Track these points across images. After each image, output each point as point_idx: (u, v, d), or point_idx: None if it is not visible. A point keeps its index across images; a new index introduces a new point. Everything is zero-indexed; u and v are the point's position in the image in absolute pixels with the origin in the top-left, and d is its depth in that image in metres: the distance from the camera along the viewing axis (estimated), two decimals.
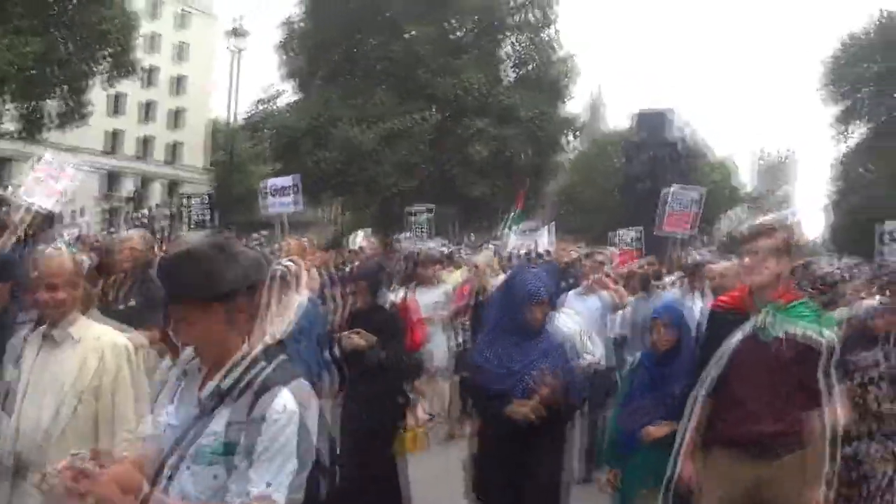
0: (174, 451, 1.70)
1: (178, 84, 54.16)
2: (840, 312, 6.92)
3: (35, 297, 2.78)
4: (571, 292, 6.52)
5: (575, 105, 42.72)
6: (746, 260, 3.27)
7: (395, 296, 6.72)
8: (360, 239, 17.44)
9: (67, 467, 1.55)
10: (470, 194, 33.47)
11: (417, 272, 8.04)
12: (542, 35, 36.13)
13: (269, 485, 1.61)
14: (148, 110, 52.24)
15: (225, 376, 1.75)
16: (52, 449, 2.55)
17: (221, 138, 48.91)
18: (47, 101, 26.51)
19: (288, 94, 36.91)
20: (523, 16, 35.64)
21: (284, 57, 36.83)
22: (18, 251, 5.87)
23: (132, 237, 4.73)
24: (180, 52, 54.18)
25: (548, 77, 36.00)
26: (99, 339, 2.76)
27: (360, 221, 37.97)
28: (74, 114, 27.22)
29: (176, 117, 54.21)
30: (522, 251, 16.10)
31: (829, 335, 3.24)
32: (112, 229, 29.51)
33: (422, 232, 14.97)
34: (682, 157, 25.02)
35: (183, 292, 1.75)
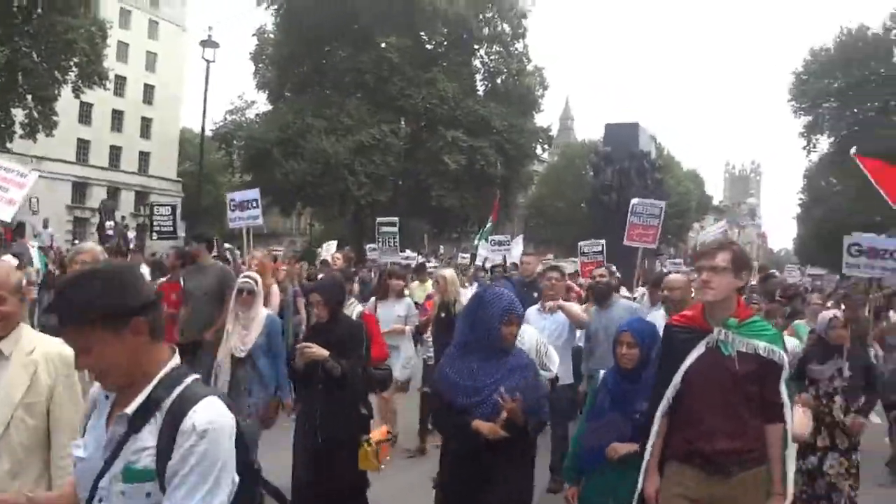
0: (104, 473, 1.69)
1: (148, 93, 53.65)
2: (808, 324, 7.09)
3: None
4: (533, 308, 6.46)
5: (545, 117, 43.23)
6: (702, 276, 3.30)
7: (358, 308, 6.73)
8: (330, 250, 17.46)
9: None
10: (442, 205, 33.55)
11: (383, 285, 8.06)
12: (512, 48, 36.43)
13: None
14: (117, 119, 51.65)
15: (136, 400, 1.71)
16: (3, 461, 2.57)
17: (191, 148, 48.54)
18: (13, 110, 26.17)
19: (259, 104, 36.84)
20: (494, 28, 35.89)
21: (256, 67, 36.72)
22: None
23: (84, 249, 4.68)
24: (150, 61, 53.69)
25: (518, 89, 36.32)
26: (46, 352, 2.71)
27: (332, 232, 37.94)
28: (41, 123, 26.89)
29: (146, 127, 53.65)
30: (494, 262, 16.21)
31: (790, 346, 3.31)
32: (76, 240, 29.17)
33: (390, 244, 14.90)
34: (650, 169, 25.13)
35: (73, 318, 1.69)
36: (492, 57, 37.03)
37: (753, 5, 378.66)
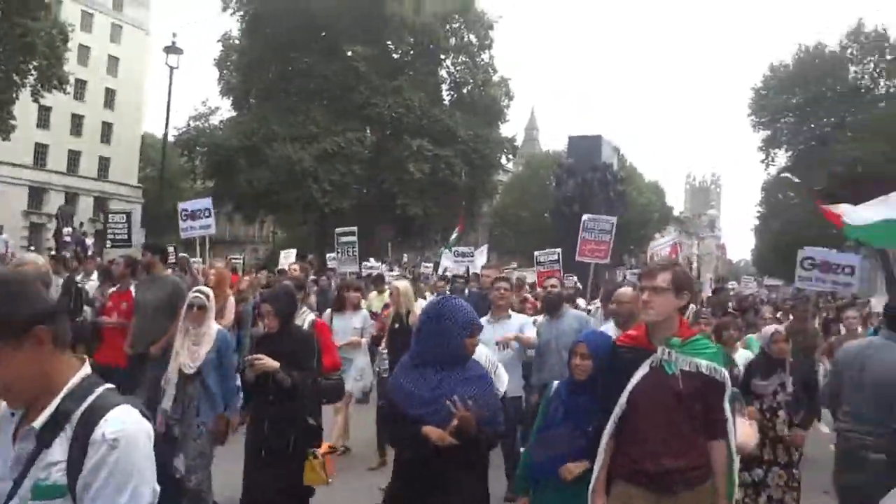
0: (13, 494, 1.62)
1: (109, 98, 52.83)
2: (759, 337, 7.19)
3: None
4: (482, 319, 6.44)
5: (511, 127, 43.52)
6: (643, 297, 3.33)
7: (310, 317, 6.67)
8: (288, 259, 17.33)
9: None
10: (406, 214, 33.54)
11: (339, 297, 8.03)
12: (478, 58, 36.64)
13: None
14: (77, 124, 50.75)
15: (43, 414, 1.64)
16: None
17: (153, 154, 47.89)
18: None
19: (223, 111, 36.52)
20: (460, 39, 36.08)
21: (221, 73, 36.41)
22: None
23: (27, 260, 4.58)
24: (111, 65, 52.91)
25: (484, 99, 36.52)
26: None
27: (295, 240, 37.68)
28: None
29: (106, 131, 52.80)
30: (455, 273, 16.23)
31: (743, 359, 3.36)
32: (32, 247, 28.55)
33: (349, 254, 14.83)
34: (612, 181, 25.48)
35: None
36: (458, 67, 37.20)
37: (715, 21, 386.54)
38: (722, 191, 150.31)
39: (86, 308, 8.89)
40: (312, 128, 32.53)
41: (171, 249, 14.39)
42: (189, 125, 34.95)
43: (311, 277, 13.23)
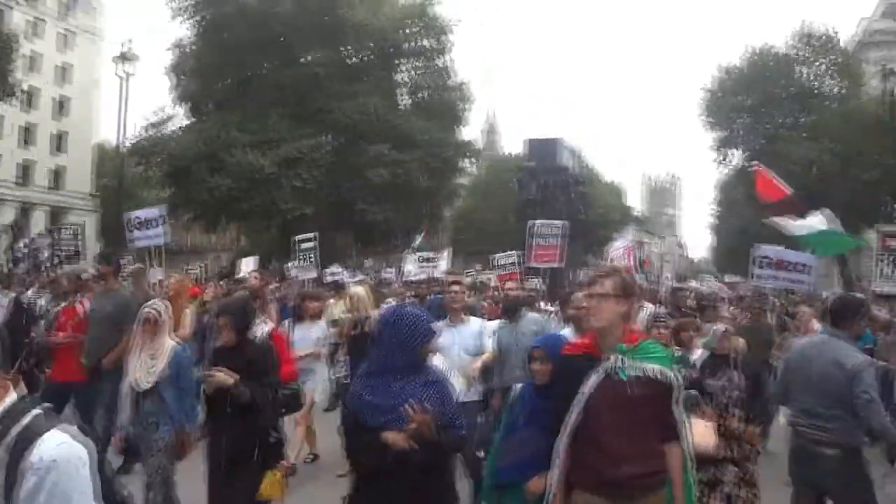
0: None
1: (61, 106, 51.73)
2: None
3: None
4: (440, 323, 6.30)
5: (471, 131, 43.66)
6: (589, 304, 3.36)
7: (265, 327, 6.60)
8: (248, 268, 17.14)
9: None
10: (366, 219, 33.42)
11: (301, 307, 7.97)
12: (436, 62, 36.66)
13: None
14: (28, 134, 49.59)
15: None
16: None
17: (109, 163, 47.06)
18: None
19: (179, 118, 35.99)
20: (417, 43, 36.07)
21: (177, 80, 35.87)
22: None
23: None
24: (63, 73, 51.84)
25: (443, 103, 36.55)
26: None
27: (258, 248, 37.27)
28: None
29: (59, 141, 51.68)
30: (422, 276, 16.24)
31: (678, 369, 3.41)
32: None
33: (309, 260, 14.72)
34: (572, 182, 25.75)
35: None
36: (415, 72, 37.16)
37: (666, 23, 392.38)
38: (680, 190, 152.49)
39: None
40: (272, 134, 32.24)
41: (126, 260, 14.14)
42: (145, 133, 34.35)
43: (273, 286, 13.11)
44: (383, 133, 33.21)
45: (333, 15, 32.58)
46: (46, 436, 1.62)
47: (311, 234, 15.34)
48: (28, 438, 1.61)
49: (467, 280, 13.05)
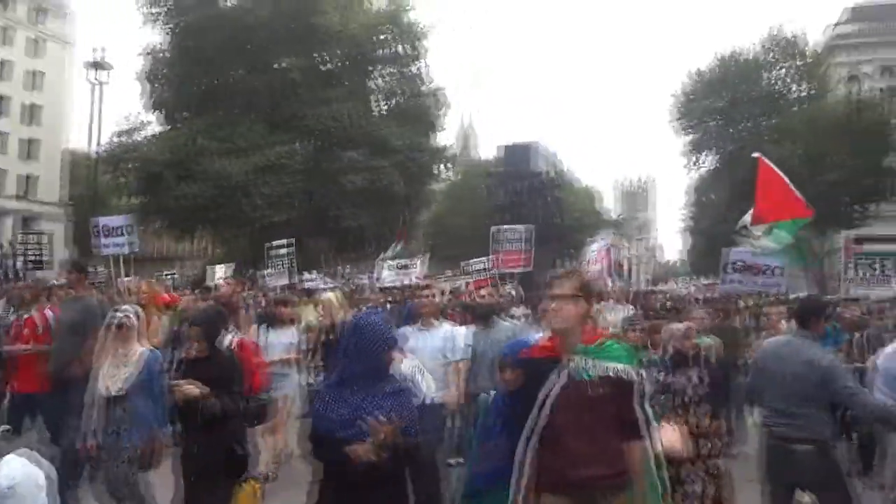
0: None
1: (32, 113, 50.99)
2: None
3: None
4: (410, 328, 6.46)
5: (446, 136, 43.71)
6: (551, 305, 3.37)
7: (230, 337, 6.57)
8: (219, 275, 17.04)
9: None
10: (341, 225, 33.31)
11: (272, 312, 7.95)
12: (410, 68, 36.68)
13: None
14: None
15: None
16: None
17: (80, 171, 46.48)
18: None
19: (152, 125, 35.65)
20: (391, 50, 36.07)
21: (151, 87, 35.51)
22: None
23: None
24: (34, 79, 51.11)
25: (418, 109, 36.55)
26: None
27: (230, 255, 36.97)
28: None
29: (29, 148, 50.92)
30: (397, 283, 16.24)
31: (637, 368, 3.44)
32: None
33: (283, 267, 14.64)
34: (546, 187, 25.88)
35: None
36: (390, 78, 37.15)
37: (639, 28, 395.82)
38: (653, 194, 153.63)
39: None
40: (243, 141, 32.05)
41: (97, 268, 13.98)
42: (117, 140, 33.95)
43: (247, 293, 13.03)
44: (358, 139, 33.17)
45: (307, 21, 32.49)
46: (3, 461, 1.62)
47: (285, 241, 15.26)
48: None
49: (443, 286, 13.09)
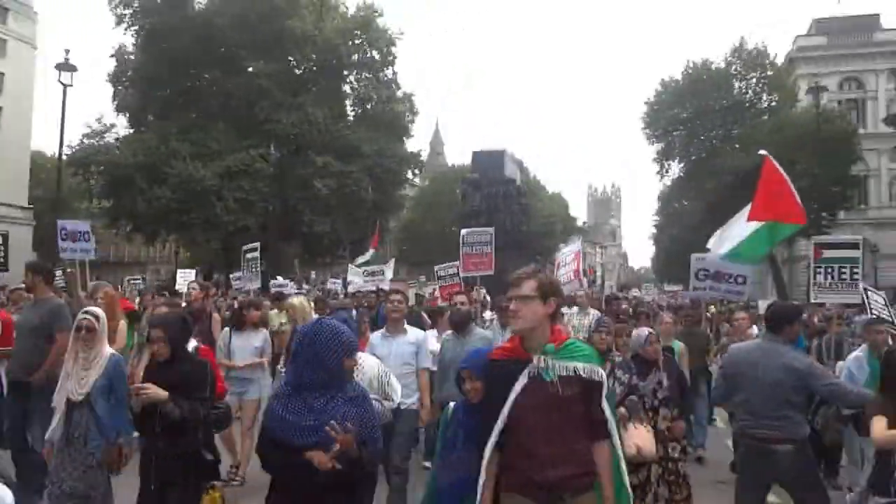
0: None
1: None
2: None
3: None
4: (377, 333, 6.44)
5: (416, 142, 43.78)
6: (511, 306, 3.33)
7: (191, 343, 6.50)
8: (186, 280, 16.85)
9: None
10: (313, 230, 33.18)
11: (239, 315, 7.87)
12: (381, 74, 36.70)
13: None
14: None
15: None
16: None
17: (44, 173, 45.68)
18: None
19: (119, 128, 35.18)
20: (363, 55, 36.05)
21: (116, 90, 35.05)
22: None
23: None
24: None
25: (388, 115, 36.57)
26: None
27: (200, 260, 36.61)
28: None
29: None
30: (369, 288, 16.17)
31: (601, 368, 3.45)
32: None
33: (253, 271, 14.49)
34: (516, 194, 25.91)
35: None
36: (361, 83, 37.13)
37: (612, 38, 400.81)
38: (622, 201, 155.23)
39: None
40: (214, 145, 31.80)
41: (63, 271, 13.74)
42: (83, 142, 33.44)
43: (219, 298, 12.91)
44: (329, 144, 33.09)
45: (278, 26, 32.35)
46: None
47: (255, 244, 15.10)
48: None
49: (409, 292, 13.06)
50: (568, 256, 13.39)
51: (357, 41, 35.74)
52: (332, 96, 35.91)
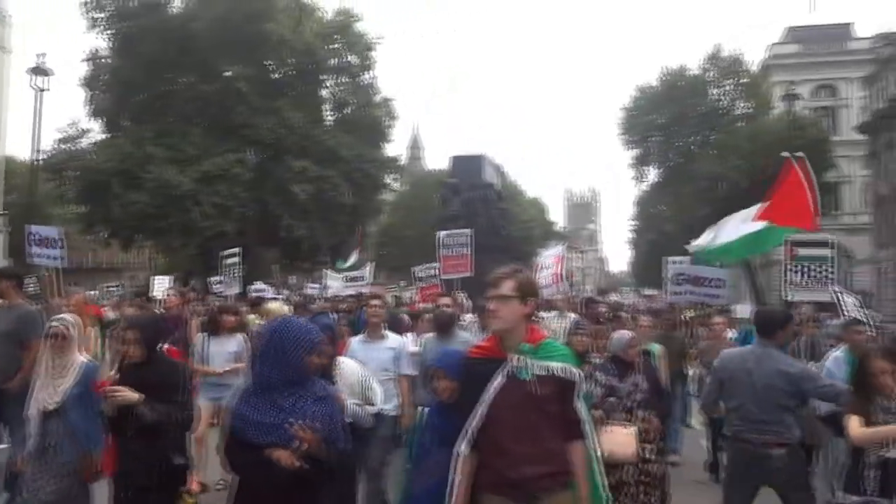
0: None
1: None
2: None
3: None
4: (356, 339, 6.40)
5: (395, 147, 43.77)
6: (491, 306, 3.36)
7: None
8: (162, 286, 16.71)
9: None
10: (292, 235, 33.02)
11: (214, 320, 7.82)
12: (360, 79, 36.64)
13: None
14: None
15: None
16: None
17: (17, 179, 45.05)
18: None
19: (94, 132, 34.75)
20: (341, 59, 35.99)
21: (92, 94, 34.64)
22: None
23: None
24: None
25: (367, 119, 36.52)
26: None
27: (177, 266, 36.26)
28: None
29: None
30: (349, 292, 16.13)
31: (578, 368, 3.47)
32: None
33: (233, 276, 14.40)
34: (495, 199, 26.04)
35: None
36: (339, 87, 37.05)
37: (589, 44, 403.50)
38: (600, 206, 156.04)
39: None
40: (191, 150, 31.51)
41: (38, 277, 13.58)
42: (57, 147, 33.01)
43: (197, 304, 12.78)
44: (307, 149, 32.97)
45: (256, 29, 32.16)
46: None
47: (235, 249, 15.02)
48: None
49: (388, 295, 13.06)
50: (549, 259, 13.46)
51: (335, 46, 35.67)
52: (310, 101, 35.77)
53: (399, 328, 7.79)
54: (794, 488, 5.03)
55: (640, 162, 43.00)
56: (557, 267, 12.67)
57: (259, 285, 20.78)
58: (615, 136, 43.66)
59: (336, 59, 35.96)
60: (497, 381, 3.24)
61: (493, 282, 3.41)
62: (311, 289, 23.14)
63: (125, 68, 32.96)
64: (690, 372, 10.57)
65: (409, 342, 7.22)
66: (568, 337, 6.91)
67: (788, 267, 10.36)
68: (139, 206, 29.98)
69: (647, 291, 39.81)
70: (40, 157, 30.66)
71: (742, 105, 41.13)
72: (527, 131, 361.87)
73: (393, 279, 34.03)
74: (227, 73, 33.12)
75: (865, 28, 50.25)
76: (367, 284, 16.52)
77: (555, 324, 10.46)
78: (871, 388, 4.93)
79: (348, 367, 4.50)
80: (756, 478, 5.10)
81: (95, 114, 34.70)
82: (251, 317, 11.18)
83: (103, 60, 34.53)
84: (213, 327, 7.72)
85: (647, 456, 5.56)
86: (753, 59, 44.81)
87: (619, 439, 5.36)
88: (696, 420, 10.71)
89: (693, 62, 41.75)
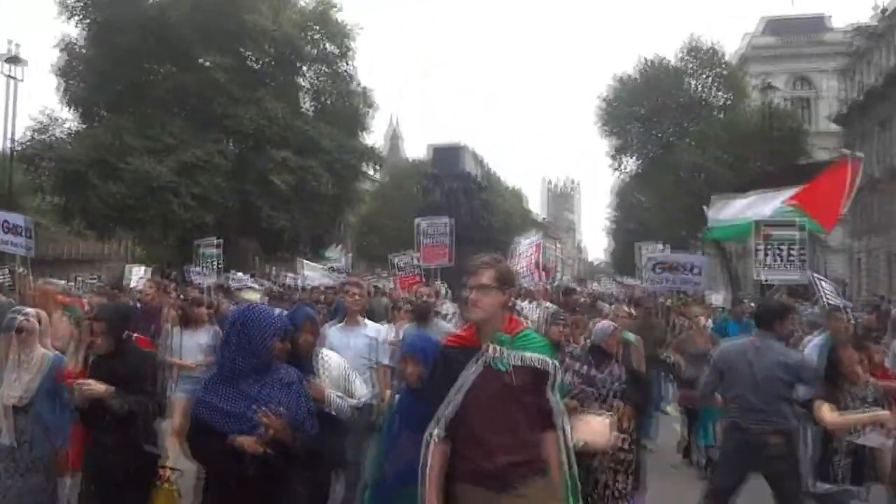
0: None
1: None
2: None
3: None
4: (334, 327, 6.33)
5: (375, 136, 43.56)
6: (470, 296, 3.33)
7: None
8: (137, 276, 16.56)
9: None
10: (272, 226, 32.87)
11: (186, 312, 7.76)
12: (339, 68, 36.44)
13: None
14: None
15: None
16: None
17: None
18: None
19: (69, 122, 34.24)
20: (320, 49, 35.77)
21: (66, 83, 34.12)
22: None
23: None
24: None
25: (346, 109, 36.38)
26: None
27: (156, 257, 35.92)
28: None
29: None
30: (327, 282, 16.10)
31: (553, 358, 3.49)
32: None
33: (211, 267, 14.30)
34: (476, 189, 26.11)
35: None
36: (318, 77, 36.84)
37: (565, 34, 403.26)
38: (579, 195, 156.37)
39: None
40: (170, 140, 31.18)
41: (15, 269, 13.40)
42: (32, 137, 32.48)
43: (175, 296, 12.70)
44: (288, 139, 32.79)
45: (234, 18, 31.87)
46: None
47: (212, 239, 14.89)
48: None
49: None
50: (527, 248, 13.47)
51: (314, 35, 35.44)
52: (289, 91, 35.58)
53: (377, 317, 7.77)
54: (786, 476, 5.16)
55: (619, 152, 43.11)
56: (535, 255, 12.71)
57: (238, 275, 20.66)
58: (592, 124, 43.73)
59: (315, 49, 35.72)
60: (474, 371, 3.25)
61: (472, 270, 3.41)
62: (291, 279, 23.05)
63: (100, 57, 32.50)
64: (670, 359, 10.66)
65: (386, 331, 7.21)
66: (546, 326, 6.94)
67: (759, 249, 10.46)
68: (117, 197, 29.65)
69: (626, 280, 40.07)
70: (15, 147, 30.26)
71: (722, 97, 41.37)
72: (502, 118, 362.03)
73: (372, 268, 33.99)
74: (207, 63, 32.79)
75: (840, 20, 50.54)
76: (345, 274, 16.50)
77: (534, 313, 10.52)
78: (842, 376, 5.05)
79: (333, 360, 4.50)
80: (751, 465, 5.24)
81: (70, 103, 34.21)
82: (226, 306, 11.09)
83: (79, 49, 34.00)
84: (185, 319, 7.65)
85: (620, 444, 5.61)
86: (729, 47, 45.02)
87: (595, 428, 5.39)
88: (671, 407, 10.85)
89: (670, 50, 41.99)
